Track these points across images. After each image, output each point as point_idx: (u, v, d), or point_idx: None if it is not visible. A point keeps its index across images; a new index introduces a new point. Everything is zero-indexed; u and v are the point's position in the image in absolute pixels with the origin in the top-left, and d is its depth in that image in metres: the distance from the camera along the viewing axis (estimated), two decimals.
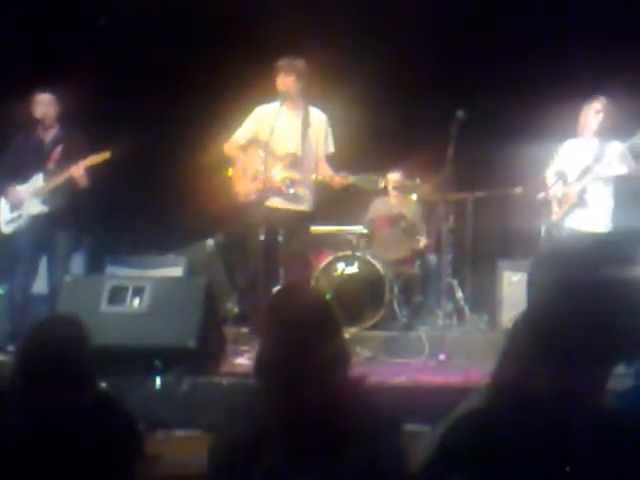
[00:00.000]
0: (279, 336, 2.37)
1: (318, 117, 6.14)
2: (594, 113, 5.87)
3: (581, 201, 5.86)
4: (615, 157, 5.71)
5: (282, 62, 6.02)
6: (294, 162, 6.00)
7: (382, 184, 5.98)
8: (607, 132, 5.83)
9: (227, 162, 6.19)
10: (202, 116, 7.68)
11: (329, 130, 6.17)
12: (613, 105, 5.85)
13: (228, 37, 7.89)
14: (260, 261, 5.88)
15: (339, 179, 5.97)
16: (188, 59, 7.94)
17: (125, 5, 7.90)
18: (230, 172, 6.15)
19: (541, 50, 7.47)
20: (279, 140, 5.98)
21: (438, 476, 1.73)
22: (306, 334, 2.33)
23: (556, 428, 1.66)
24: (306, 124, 6.08)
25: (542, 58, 7.42)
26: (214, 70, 7.79)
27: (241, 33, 7.85)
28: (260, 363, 2.39)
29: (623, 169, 5.71)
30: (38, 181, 6.22)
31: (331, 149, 6.18)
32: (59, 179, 6.16)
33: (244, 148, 6.12)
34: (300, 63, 6.04)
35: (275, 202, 6.00)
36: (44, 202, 6.21)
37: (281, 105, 5.97)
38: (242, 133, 6.14)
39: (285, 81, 5.99)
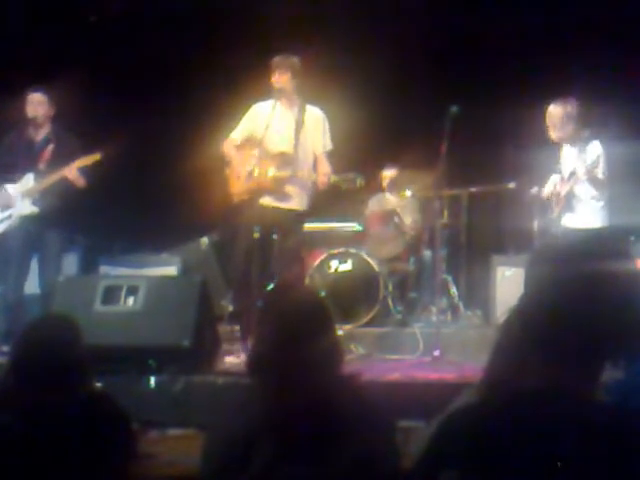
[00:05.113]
0: (272, 333, 2.37)
1: (314, 115, 6.10)
2: (566, 115, 5.83)
3: (569, 204, 5.85)
4: (595, 158, 5.69)
5: (277, 59, 6.00)
6: (286, 160, 5.98)
7: (361, 183, 5.90)
8: (584, 133, 5.81)
9: (224, 161, 6.17)
10: (196, 115, 7.67)
11: (327, 127, 6.12)
12: (582, 106, 5.82)
13: (225, 33, 7.87)
14: (254, 260, 5.87)
15: (321, 178, 5.93)
16: (183, 56, 7.92)
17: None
18: (227, 171, 6.14)
19: (535, 46, 7.47)
20: (273, 138, 5.99)
21: (431, 472, 1.73)
22: (299, 331, 2.33)
23: (548, 423, 1.66)
24: (300, 122, 6.04)
25: (536, 54, 7.42)
26: (209, 68, 7.78)
27: (238, 28, 7.82)
28: (253, 360, 2.40)
29: (600, 172, 5.71)
30: (29, 181, 6.21)
31: (329, 147, 6.12)
32: (51, 180, 6.14)
33: (240, 147, 6.11)
34: (295, 60, 6.02)
35: (266, 201, 6.00)
36: (35, 202, 6.20)
37: (275, 102, 5.97)
38: (238, 132, 6.13)
39: (280, 79, 5.97)
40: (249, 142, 6.06)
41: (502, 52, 7.59)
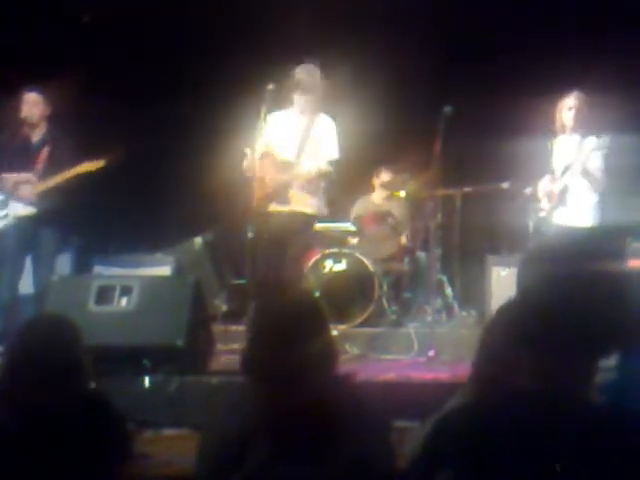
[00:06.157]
0: (267, 334, 2.37)
1: (324, 123, 5.98)
2: (567, 109, 5.87)
3: (562, 199, 5.85)
4: (591, 152, 5.70)
5: (300, 76, 5.84)
6: (288, 168, 5.92)
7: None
8: (584, 127, 5.82)
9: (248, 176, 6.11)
10: (193, 116, 7.67)
11: (334, 136, 5.98)
12: (586, 100, 5.84)
13: (224, 34, 7.85)
14: (252, 264, 5.84)
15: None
16: (180, 56, 7.91)
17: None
18: (253, 183, 6.09)
19: (528, 45, 7.47)
20: (281, 146, 5.94)
21: (427, 471, 1.73)
22: (293, 332, 2.33)
23: (543, 423, 1.66)
24: (308, 130, 5.95)
25: (529, 53, 7.43)
26: (207, 68, 7.77)
27: (237, 29, 7.82)
28: (247, 361, 2.39)
29: (596, 165, 5.73)
30: None
31: (333, 156, 5.96)
32: (49, 183, 6.12)
33: (264, 155, 6.04)
34: (317, 77, 5.88)
35: (273, 207, 5.91)
36: (32, 203, 6.18)
37: (287, 111, 5.95)
38: (261, 140, 6.04)
39: (301, 100, 5.89)
40: (266, 153, 6.00)
41: (496, 52, 7.60)
